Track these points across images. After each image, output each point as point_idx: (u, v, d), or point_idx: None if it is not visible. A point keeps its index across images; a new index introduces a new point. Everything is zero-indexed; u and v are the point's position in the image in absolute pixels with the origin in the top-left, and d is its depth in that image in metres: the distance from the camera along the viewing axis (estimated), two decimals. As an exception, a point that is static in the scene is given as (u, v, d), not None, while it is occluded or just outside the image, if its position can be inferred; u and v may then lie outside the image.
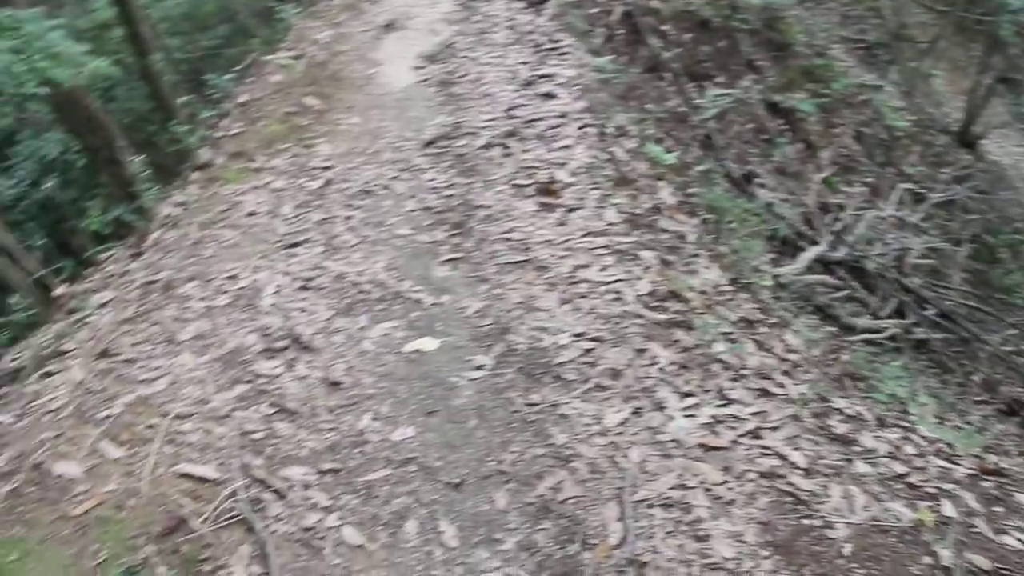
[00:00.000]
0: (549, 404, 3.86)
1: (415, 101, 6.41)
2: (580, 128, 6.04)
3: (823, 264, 8.52)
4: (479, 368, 4.06)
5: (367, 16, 7.93)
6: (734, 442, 3.72)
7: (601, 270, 4.61)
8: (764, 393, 4.08)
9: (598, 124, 6.22)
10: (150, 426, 3.59)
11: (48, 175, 9.60)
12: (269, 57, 7.18)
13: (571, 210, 5.12)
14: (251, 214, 5.10)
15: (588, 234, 4.90)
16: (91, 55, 7.91)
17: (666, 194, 6.00)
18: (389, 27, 7.61)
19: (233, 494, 3.37)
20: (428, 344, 4.19)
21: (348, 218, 5.06)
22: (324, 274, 4.58)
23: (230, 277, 4.52)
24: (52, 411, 3.73)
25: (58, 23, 7.88)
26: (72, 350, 4.14)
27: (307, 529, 3.34)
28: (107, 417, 3.62)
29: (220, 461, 3.50)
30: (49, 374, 4.00)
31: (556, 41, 7.52)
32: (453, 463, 3.63)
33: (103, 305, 4.49)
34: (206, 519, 3.26)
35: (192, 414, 3.68)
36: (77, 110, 8.46)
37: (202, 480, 3.42)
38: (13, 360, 4.74)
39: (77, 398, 3.76)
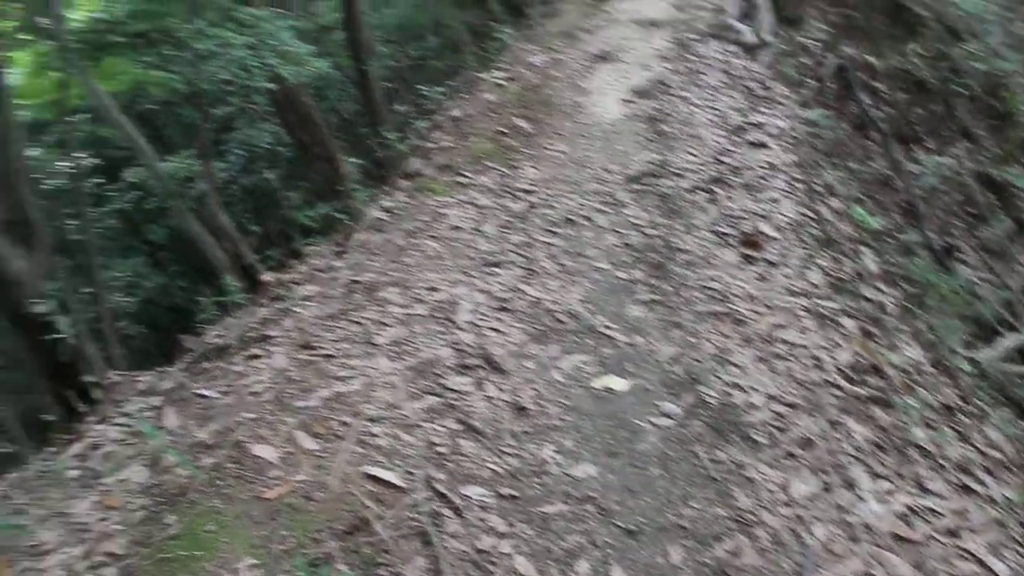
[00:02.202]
0: (735, 464, 3.75)
1: (622, 135, 6.41)
2: (788, 182, 5.90)
3: (1023, 354, 8.00)
4: (666, 416, 4.00)
5: (582, 45, 8.01)
6: (930, 537, 3.52)
7: (801, 333, 4.47)
8: (965, 489, 3.85)
9: (806, 180, 6.05)
10: (343, 423, 3.69)
11: (256, 163, 10.18)
12: (483, 75, 7.35)
13: (774, 265, 5.00)
14: (455, 228, 5.21)
15: (790, 293, 4.77)
16: (314, 56, 8.35)
17: (869, 260, 5.77)
18: (602, 58, 7.66)
19: (415, 504, 3.42)
20: (617, 383, 4.16)
21: (548, 244, 5.09)
22: (521, 298, 4.62)
23: (430, 288, 4.63)
24: (254, 393, 3.90)
25: (289, 24, 8.37)
26: (276, 337, 4.33)
27: (481, 551, 3.35)
28: (304, 408, 3.74)
29: (405, 469, 3.56)
30: (254, 357, 4.19)
31: (768, 89, 7.38)
32: (631, 509, 3.57)
33: (308, 298, 4.67)
34: (387, 524, 3.32)
35: (383, 418, 3.76)
36: (294, 106, 8.94)
37: (387, 485, 3.49)
38: (218, 337, 5.00)
39: (278, 385, 3.91)
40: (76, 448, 4.29)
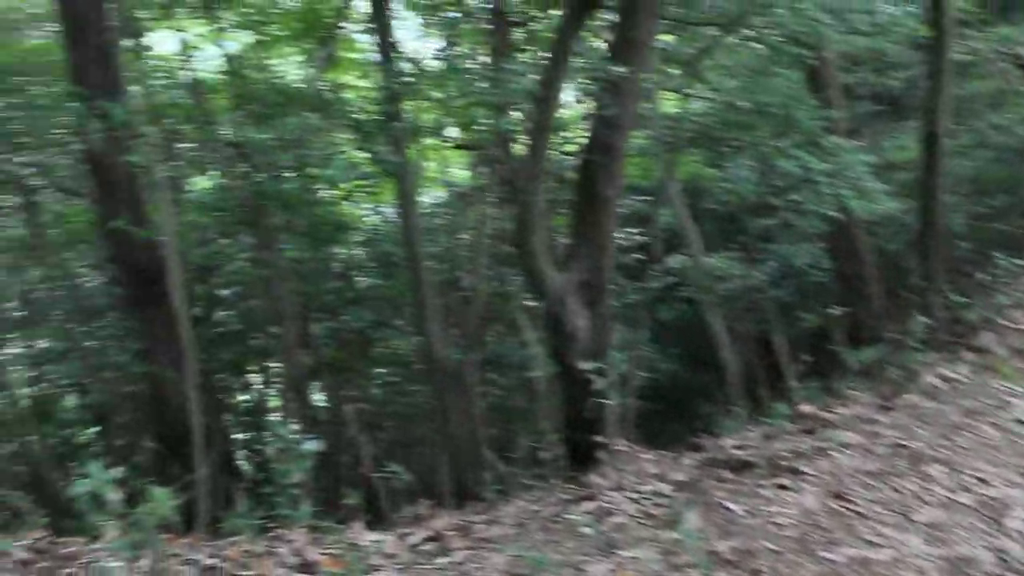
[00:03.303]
0: None
1: None
2: None
3: None
4: None
5: None
6: None
7: None
8: None
9: None
10: (857, 593, 3.56)
11: (787, 280, 10.27)
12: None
13: None
14: (1019, 422, 4.80)
15: None
16: (885, 195, 8.21)
17: None
18: None
19: None
20: None
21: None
22: (1082, 525, 4.11)
23: (980, 479, 4.30)
24: (778, 525, 3.90)
25: (867, 159, 8.33)
26: (808, 475, 4.30)
27: None
28: (827, 560, 3.66)
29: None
30: (782, 487, 4.20)
31: None
32: None
33: (846, 445, 4.58)
34: None
35: (906, 603, 3.56)
36: (845, 237, 8.89)
37: None
38: (738, 448, 5.09)
39: (804, 526, 3.88)
40: (589, 506, 4.61)
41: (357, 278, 9.62)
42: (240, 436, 12.26)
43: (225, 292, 11.01)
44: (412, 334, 9.34)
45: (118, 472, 3.51)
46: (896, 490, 4.17)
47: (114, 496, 3.67)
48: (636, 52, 5.58)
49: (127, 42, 6.36)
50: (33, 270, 10.67)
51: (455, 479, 7.67)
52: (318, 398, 10.30)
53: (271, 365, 12.35)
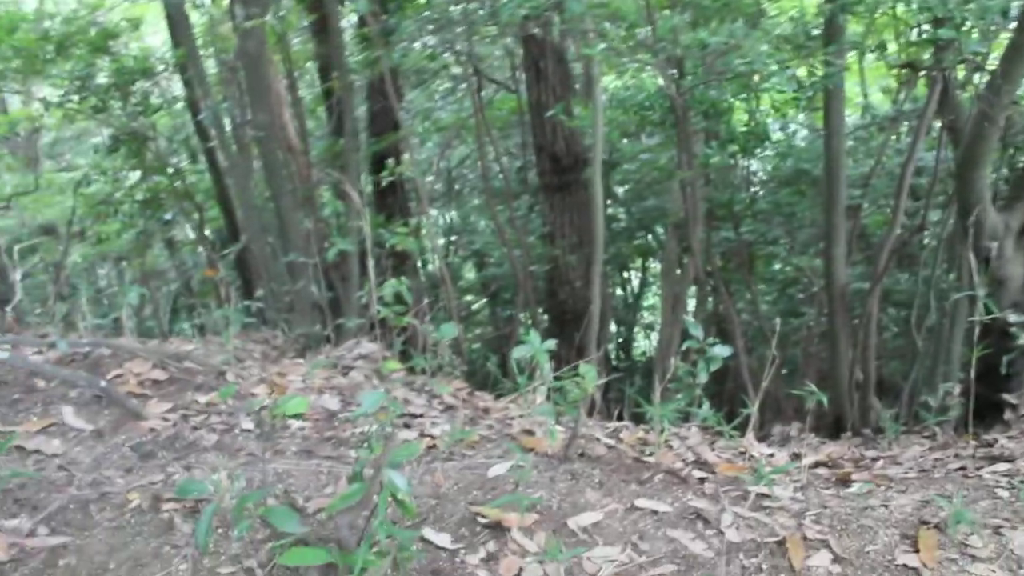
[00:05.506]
0: None
1: None
2: None
3: None
4: None
5: None
6: None
7: None
8: None
9: None
10: None
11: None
12: None
13: None
14: None
15: None
16: None
17: None
18: None
19: None
20: None
21: None
22: None
23: None
24: None
25: None
26: None
27: None
28: None
29: None
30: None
31: None
32: None
33: None
34: None
35: None
36: None
37: None
38: None
39: None
40: (1003, 467, 4.29)
41: (760, 192, 9.46)
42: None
43: (619, 189, 11.37)
44: (804, 255, 9.08)
45: (552, 343, 3.78)
46: None
47: (547, 365, 3.99)
48: None
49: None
50: (456, 149, 11.69)
51: (834, 410, 7.48)
52: (695, 304, 10.40)
53: (652, 265, 12.69)
